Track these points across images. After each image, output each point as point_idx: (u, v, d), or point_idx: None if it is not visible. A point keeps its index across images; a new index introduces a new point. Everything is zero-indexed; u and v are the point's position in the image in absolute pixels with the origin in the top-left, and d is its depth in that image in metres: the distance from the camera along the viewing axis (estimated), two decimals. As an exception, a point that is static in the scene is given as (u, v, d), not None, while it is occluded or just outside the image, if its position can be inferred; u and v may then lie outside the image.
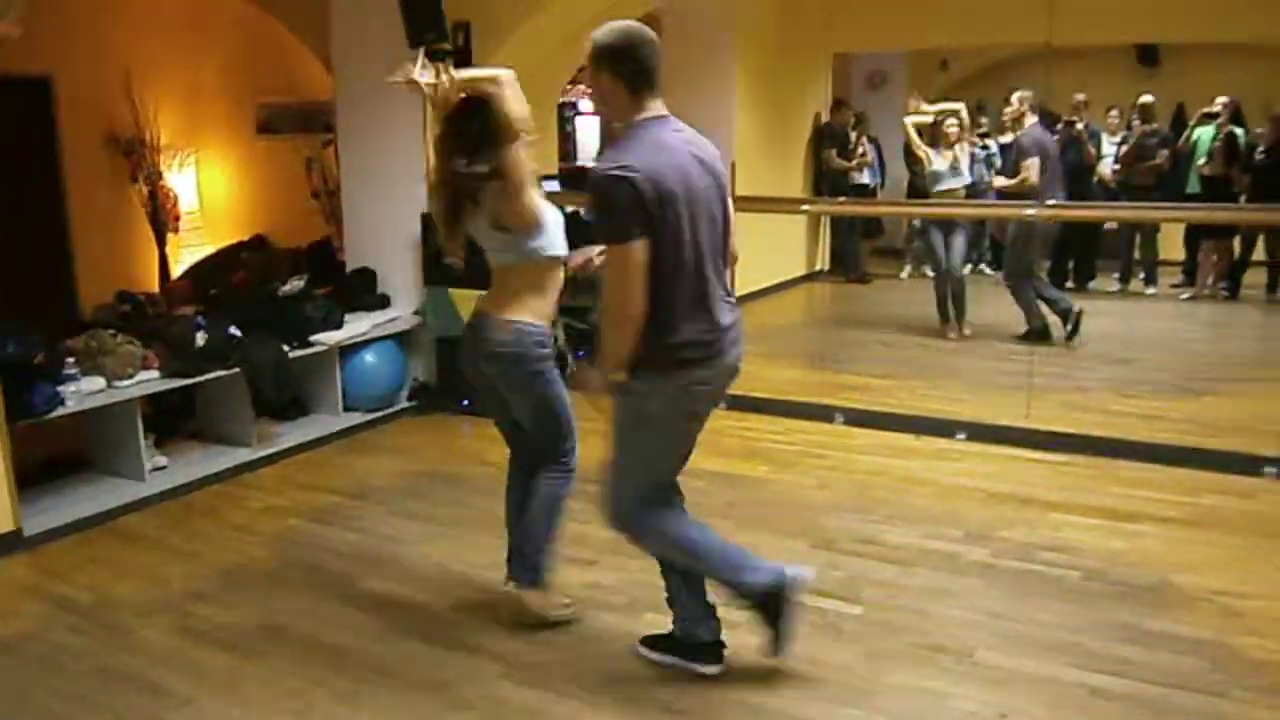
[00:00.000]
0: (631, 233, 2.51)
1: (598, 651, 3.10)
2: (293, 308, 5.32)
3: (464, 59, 5.61)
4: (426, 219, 5.69)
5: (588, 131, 11.76)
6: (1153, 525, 4.01)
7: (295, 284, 5.78)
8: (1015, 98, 7.14)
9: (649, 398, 2.69)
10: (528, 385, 3.12)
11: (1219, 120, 8.67)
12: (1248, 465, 4.53)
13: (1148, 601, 3.36)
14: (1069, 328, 6.98)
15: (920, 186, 8.66)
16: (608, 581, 3.57)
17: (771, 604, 2.82)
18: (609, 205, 2.53)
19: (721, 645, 2.97)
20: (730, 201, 2.81)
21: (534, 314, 3.11)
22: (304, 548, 3.98)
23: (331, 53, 6.01)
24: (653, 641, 3.06)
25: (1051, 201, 6.45)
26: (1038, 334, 7.02)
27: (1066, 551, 3.75)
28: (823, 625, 3.23)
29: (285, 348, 5.02)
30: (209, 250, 7.77)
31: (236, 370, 4.79)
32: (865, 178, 10.08)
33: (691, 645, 2.97)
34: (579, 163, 11.14)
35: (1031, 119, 7.11)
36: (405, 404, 5.75)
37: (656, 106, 2.67)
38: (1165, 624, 3.21)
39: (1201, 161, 8.66)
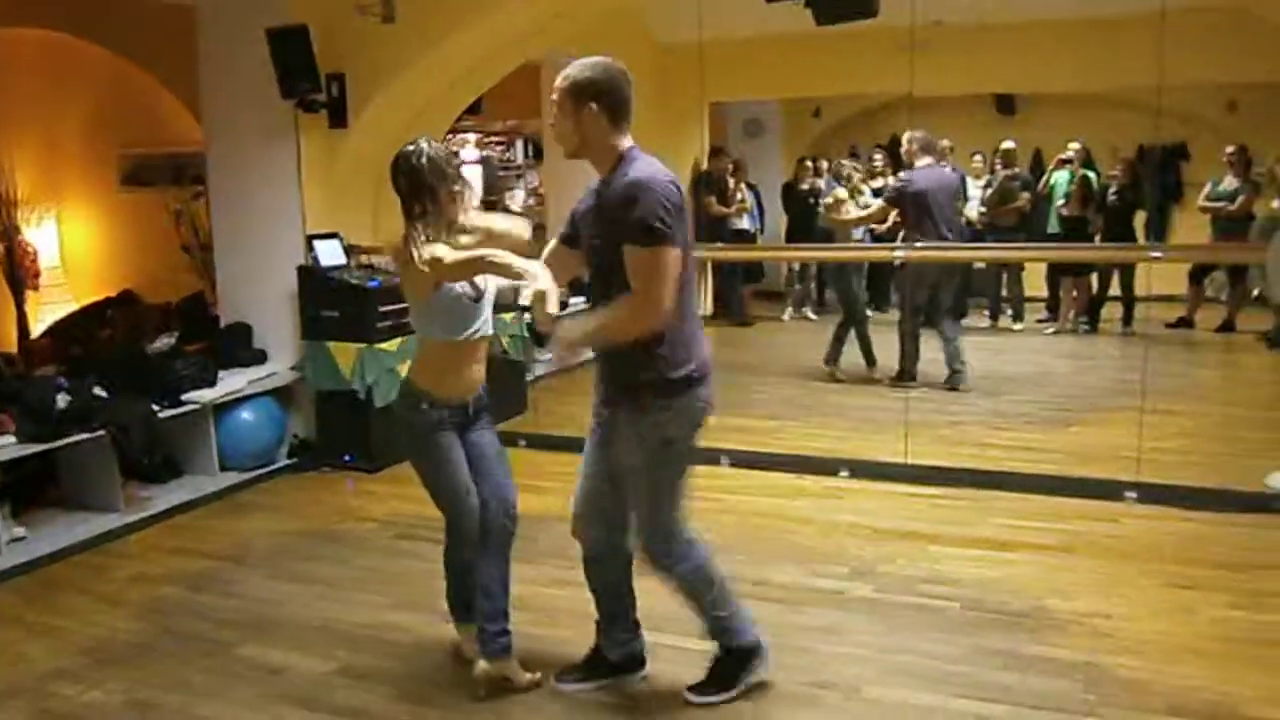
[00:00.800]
0: (674, 238, 2.61)
1: (490, 710, 3.04)
2: (163, 365, 5.12)
3: (338, 111, 5.56)
4: (303, 271, 5.58)
5: (470, 179, 11.74)
6: (1027, 553, 4.16)
7: (165, 341, 5.58)
8: (905, 138, 7.26)
9: (669, 424, 2.76)
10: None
11: (1073, 165, 9.18)
12: (1111, 491, 4.74)
13: (1024, 627, 3.48)
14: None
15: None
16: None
17: (734, 661, 3.01)
18: (663, 209, 2.60)
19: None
20: None
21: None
22: (177, 617, 3.80)
23: (200, 102, 5.87)
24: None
25: (919, 243, 6.69)
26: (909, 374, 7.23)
27: (947, 583, 3.85)
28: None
29: (155, 407, 4.83)
30: (72, 307, 7.45)
31: (101, 432, 4.58)
32: (745, 223, 10.31)
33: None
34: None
35: (924, 160, 7.06)
36: (285, 461, 5.59)
37: (629, 138, 2.77)
38: (1040, 648, 3.32)
39: (1060, 203, 9.14)
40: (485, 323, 3.12)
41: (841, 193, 7.79)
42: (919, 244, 6.68)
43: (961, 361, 7.07)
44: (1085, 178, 9.06)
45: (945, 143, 9.43)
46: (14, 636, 3.66)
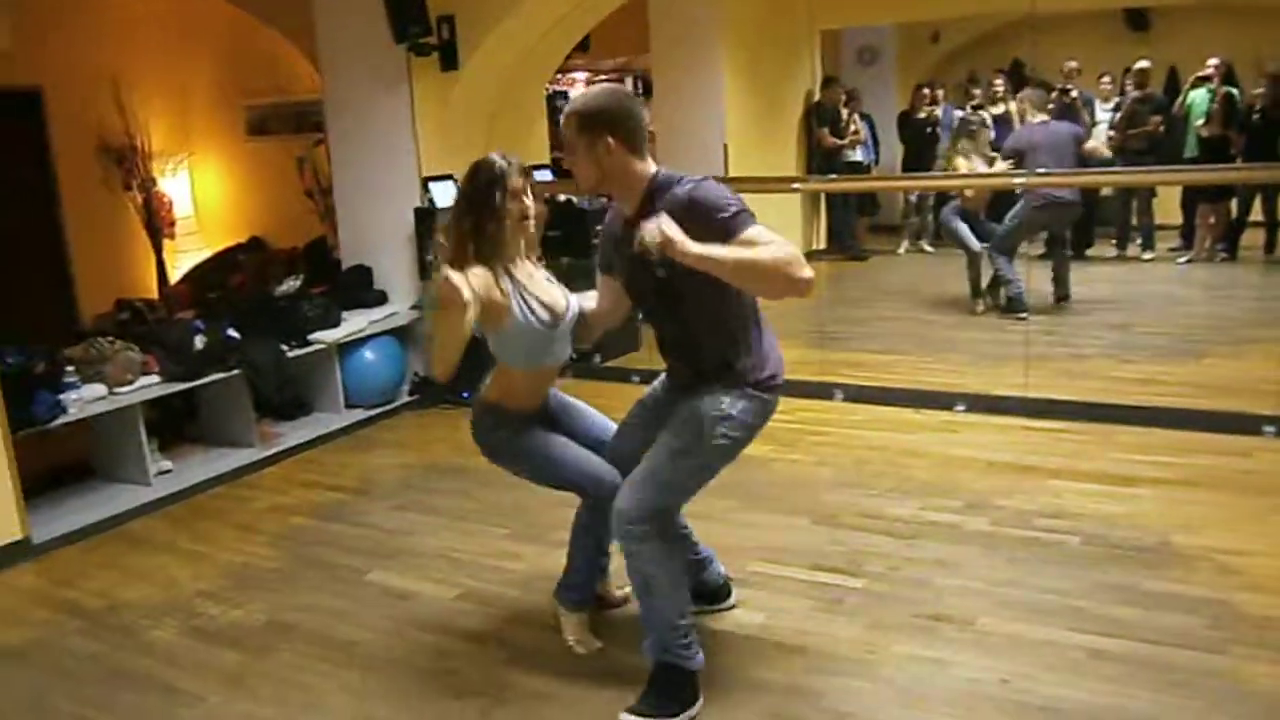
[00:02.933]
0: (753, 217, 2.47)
1: (601, 635, 3.13)
2: (290, 308, 5.34)
3: (448, 53, 5.63)
4: (420, 213, 5.71)
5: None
6: (1150, 488, 4.03)
7: (291, 284, 5.81)
8: (1018, 98, 7.07)
9: (739, 417, 2.64)
10: None
11: (1212, 82, 8.64)
12: (1246, 425, 4.53)
13: (1146, 563, 3.38)
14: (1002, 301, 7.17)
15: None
16: (612, 565, 3.59)
17: (675, 684, 2.69)
18: (728, 196, 2.47)
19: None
20: None
21: None
22: (310, 545, 4.01)
23: (318, 52, 6.02)
24: None
25: (1041, 170, 6.42)
26: (1018, 303, 7.01)
27: (1065, 517, 3.77)
28: (825, 599, 3.26)
29: (284, 348, 5.06)
30: (206, 254, 7.81)
31: (236, 372, 4.83)
32: (858, 155, 10.05)
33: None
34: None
35: (1038, 118, 7.00)
36: (406, 399, 5.78)
37: (652, 162, 2.64)
38: (1164, 584, 3.22)
39: (1199, 123, 8.63)
40: (564, 347, 2.97)
41: (961, 162, 7.37)
42: (1040, 171, 6.41)
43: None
44: (1228, 95, 8.51)
45: (1073, 63, 9.02)
46: (164, 560, 3.93)
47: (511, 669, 2.98)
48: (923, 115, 10.03)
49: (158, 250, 7.48)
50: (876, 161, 10.57)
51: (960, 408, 5.13)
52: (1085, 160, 6.88)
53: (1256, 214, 8.73)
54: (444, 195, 5.70)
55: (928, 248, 10.21)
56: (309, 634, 3.27)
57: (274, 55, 7.57)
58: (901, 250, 10.32)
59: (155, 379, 4.60)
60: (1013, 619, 3.06)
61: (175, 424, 5.16)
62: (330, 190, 6.36)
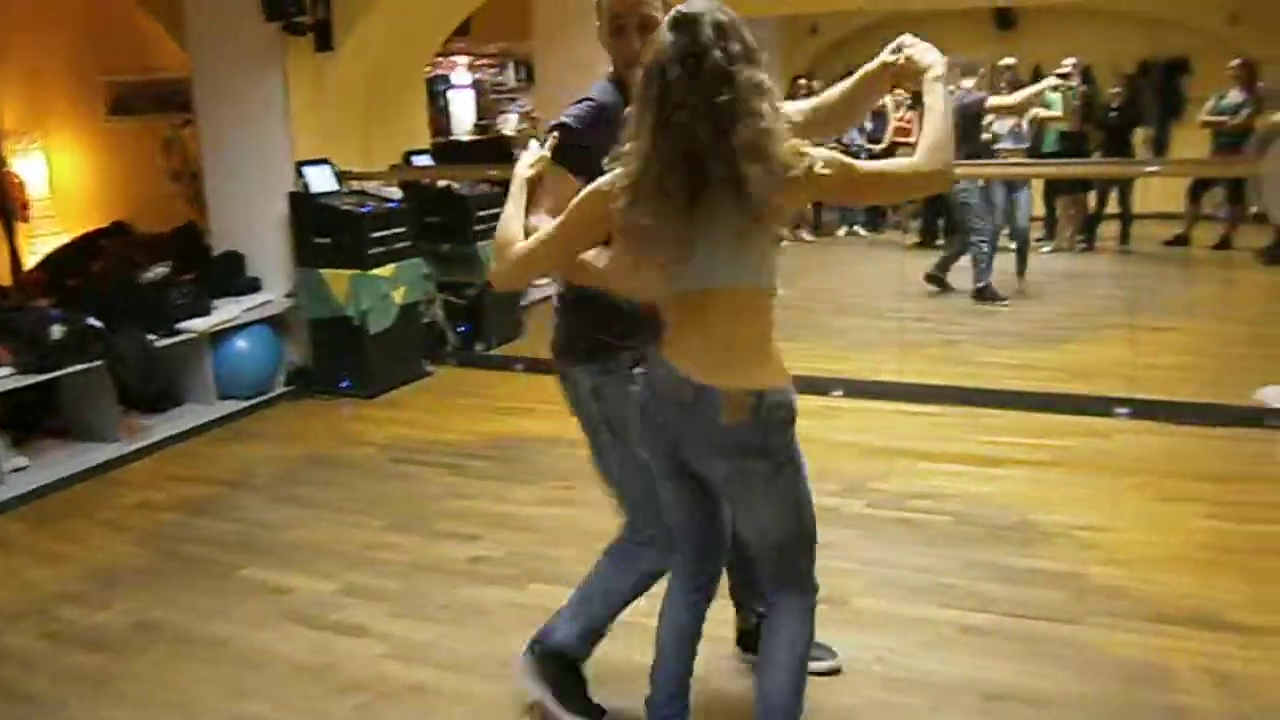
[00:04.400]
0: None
1: (484, 625, 3.11)
2: (157, 295, 5.12)
3: (324, 33, 5.47)
4: (295, 198, 5.55)
5: (462, 105, 11.62)
6: (1017, 468, 4.21)
7: (159, 270, 5.55)
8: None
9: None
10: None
11: (1070, 80, 9.04)
12: (1102, 407, 4.78)
13: (1012, 540, 3.54)
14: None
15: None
16: (492, 554, 3.57)
17: (576, 680, 2.59)
18: None
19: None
20: None
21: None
22: (179, 541, 3.86)
23: (185, 29, 5.77)
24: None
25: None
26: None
27: (937, 498, 3.91)
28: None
29: (150, 337, 4.85)
30: (65, 239, 7.40)
31: (99, 363, 4.60)
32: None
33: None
34: (454, 136, 11.01)
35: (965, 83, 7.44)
36: (282, 389, 5.61)
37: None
38: (1028, 560, 3.38)
39: (1060, 119, 9.02)
40: None
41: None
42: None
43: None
44: (1085, 93, 8.93)
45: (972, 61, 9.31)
46: (20, 562, 3.73)
47: (391, 662, 2.93)
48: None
49: (10, 234, 7.06)
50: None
51: (838, 393, 5.27)
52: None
53: (1114, 207, 9.20)
54: (319, 180, 5.55)
55: (807, 237, 10.43)
56: (180, 633, 3.15)
57: (137, 30, 7.22)
58: (808, 237, 10.50)
59: (8, 370, 4.35)
60: (887, 598, 3.16)
61: (31, 418, 4.89)
62: (199, 173, 6.11)
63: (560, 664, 2.58)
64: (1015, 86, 8.54)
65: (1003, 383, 5.20)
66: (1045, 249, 9.38)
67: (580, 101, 2.38)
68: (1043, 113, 8.39)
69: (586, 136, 2.24)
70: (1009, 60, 9.29)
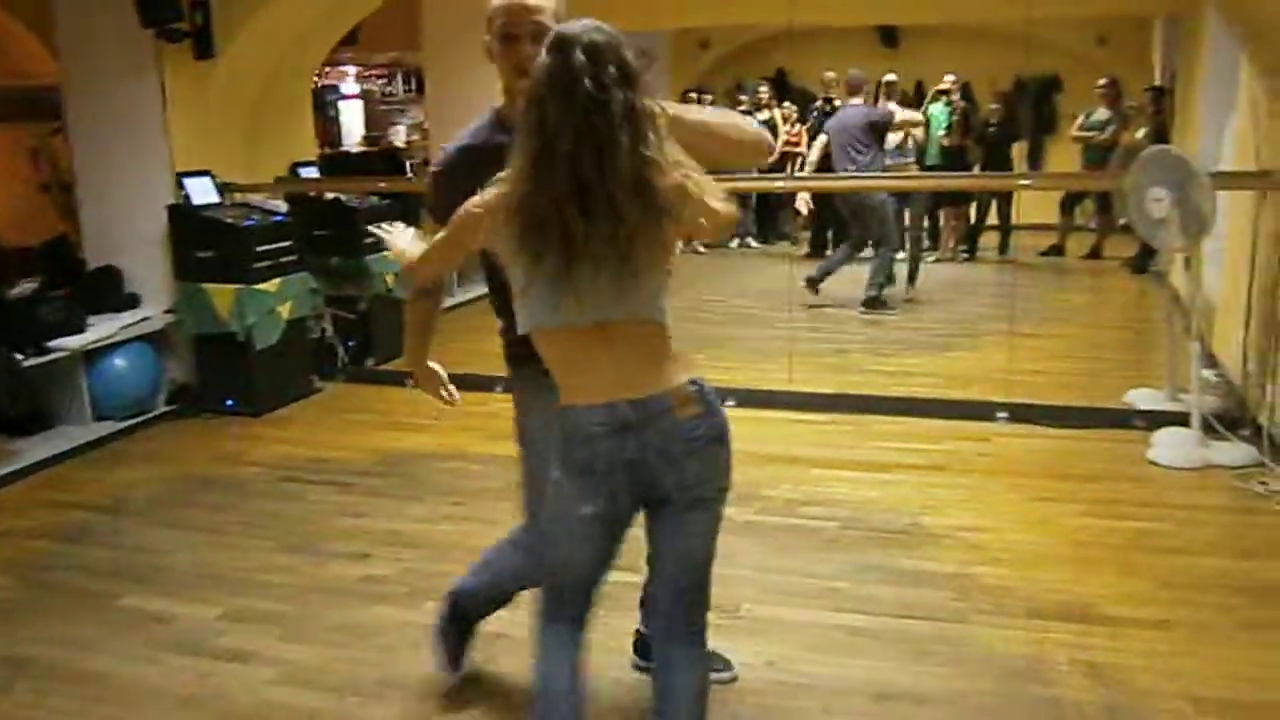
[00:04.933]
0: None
1: (377, 646, 3.05)
2: (25, 312, 4.89)
3: (203, 40, 5.31)
4: (173, 211, 5.37)
5: (351, 115, 11.44)
6: (904, 473, 4.33)
7: (27, 286, 5.32)
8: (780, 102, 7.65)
9: None
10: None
11: (951, 96, 9.38)
12: (983, 412, 4.95)
13: (899, 544, 3.63)
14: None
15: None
16: (384, 573, 3.51)
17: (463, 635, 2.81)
18: None
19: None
20: None
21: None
22: (52, 570, 3.68)
23: (55, 33, 5.53)
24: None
25: (802, 173, 6.81)
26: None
27: (826, 504, 3.99)
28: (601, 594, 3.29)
29: (18, 355, 4.62)
30: (-77, 252, 7.02)
31: (-40, 384, 4.38)
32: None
33: None
34: (344, 147, 10.82)
35: (851, 100, 7.74)
36: (164, 408, 5.41)
37: None
38: (915, 562, 3.48)
39: (942, 133, 9.34)
40: None
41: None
42: (800, 175, 6.82)
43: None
44: (965, 109, 9.27)
45: (830, 74, 9.58)
46: (-126, 598, 3.51)
47: (280, 688, 2.85)
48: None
49: None
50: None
51: (730, 402, 5.31)
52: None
53: (993, 218, 9.56)
54: (201, 192, 5.38)
55: (699, 248, 10.53)
56: (52, 668, 3.00)
57: (5, 34, 6.90)
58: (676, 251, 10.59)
59: None
60: (776, 603, 3.21)
61: (-113, 443, 4.62)
62: (71, 184, 5.86)
63: (456, 611, 2.79)
64: (901, 102, 8.84)
65: (890, 390, 5.35)
66: (929, 258, 9.67)
67: (451, 143, 2.41)
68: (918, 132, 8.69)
69: (452, 184, 2.17)
70: (892, 76, 9.60)
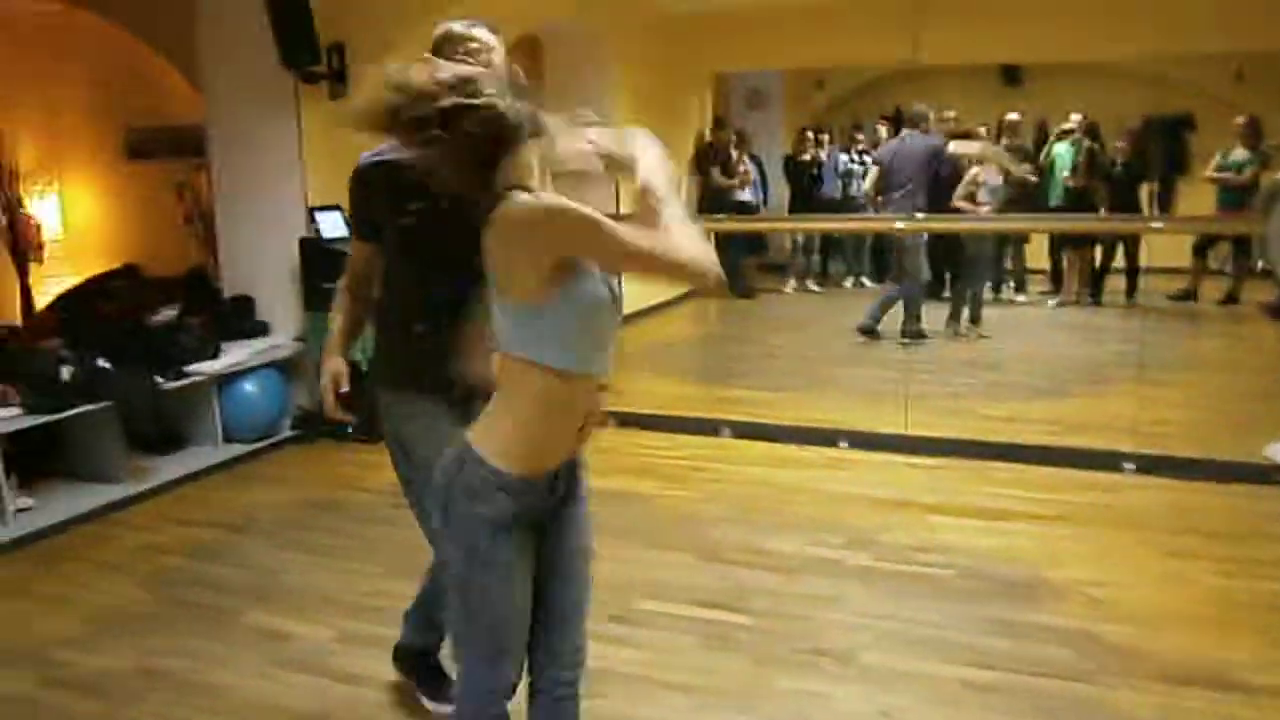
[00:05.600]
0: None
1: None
2: (166, 338, 5.15)
3: (338, 82, 5.55)
4: (305, 244, 5.59)
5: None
6: (1024, 523, 4.19)
7: (168, 313, 5.61)
8: None
9: None
10: None
11: (1075, 136, 9.13)
12: (1108, 461, 4.76)
13: (1019, 596, 3.51)
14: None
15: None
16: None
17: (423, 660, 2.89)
18: None
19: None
20: None
21: None
22: (182, 586, 3.84)
23: (200, 74, 5.86)
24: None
25: (919, 215, 6.71)
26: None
27: (943, 552, 3.88)
28: (711, 636, 3.28)
29: (158, 379, 4.86)
30: (76, 280, 7.47)
31: (106, 404, 4.62)
32: (747, 195, 10.28)
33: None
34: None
35: (907, 131, 7.69)
36: (288, 433, 5.61)
37: None
38: (1035, 616, 3.35)
39: (1066, 174, 9.09)
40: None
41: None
42: (919, 215, 6.73)
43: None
44: (1091, 149, 9.01)
45: (951, 113, 9.41)
46: (21, 606, 3.71)
47: (389, 711, 2.90)
48: (807, 158, 10.32)
49: (23, 275, 7.12)
50: (765, 202, 10.82)
51: (843, 444, 5.25)
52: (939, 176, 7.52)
53: (1120, 261, 9.23)
54: (331, 226, 5.59)
55: (814, 287, 10.48)
56: (179, 680, 3.12)
57: (154, 76, 7.34)
58: (789, 289, 10.56)
59: (16, 410, 4.36)
60: (892, 652, 3.13)
61: (37, 459, 4.89)
62: (212, 217, 6.18)
63: (414, 659, 2.90)
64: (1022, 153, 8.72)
65: (1008, 436, 5.18)
66: (1051, 302, 9.40)
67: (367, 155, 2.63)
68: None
69: (363, 189, 2.66)
70: (1014, 116, 9.40)
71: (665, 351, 8.03)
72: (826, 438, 5.31)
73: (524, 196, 1.79)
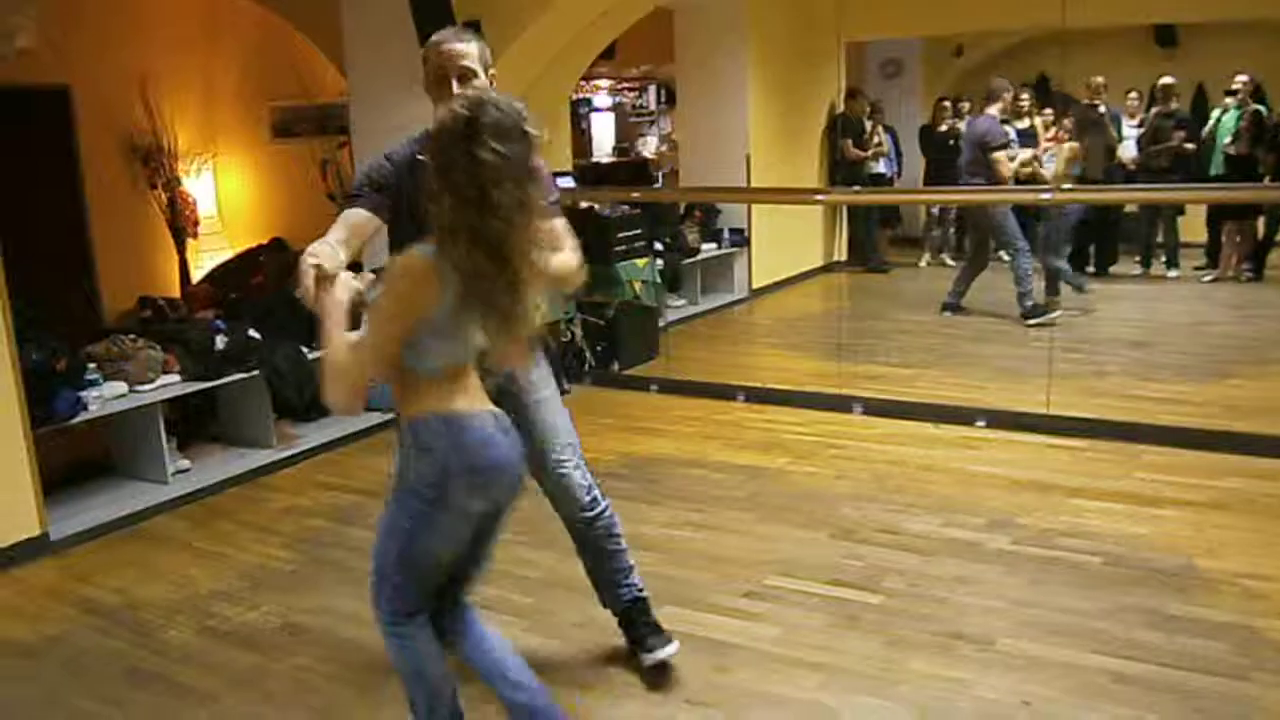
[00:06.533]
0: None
1: (611, 645, 3.10)
2: (311, 310, 5.34)
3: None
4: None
5: (602, 127, 11.80)
6: (1175, 509, 3.98)
7: (312, 286, 5.80)
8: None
9: None
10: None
11: (1239, 99, 8.57)
12: (1271, 448, 4.47)
13: (1170, 586, 3.33)
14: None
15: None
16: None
17: None
18: None
19: None
20: None
21: None
22: (326, 547, 4.01)
23: (343, 54, 6.04)
24: None
25: (1067, 185, 6.43)
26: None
27: (1088, 537, 3.72)
28: (843, 615, 3.23)
29: (304, 349, 5.06)
30: (228, 254, 7.83)
31: (256, 372, 4.84)
32: (881, 167, 10.03)
33: None
34: (594, 158, 11.19)
35: (989, 108, 7.57)
36: (425, 403, 5.76)
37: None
38: (1187, 608, 3.18)
39: (1227, 141, 8.55)
40: None
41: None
42: (1065, 186, 6.47)
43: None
44: (1256, 113, 8.44)
45: (1099, 79, 8.97)
46: (181, 559, 3.93)
47: (525, 677, 2.95)
48: (944, 129, 10.00)
49: (180, 249, 7.50)
50: (899, 174, 10.54)
51: (981, 423, 5.09)
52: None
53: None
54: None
55: (949, 261, 10.16)
56: (323, 637, 3.26)
57: (299, 57, 7.61)
58: (923, 263, 10.28)
59: (176, 378, 4.61)
60: (1033, 639, 3.02)
61: (194, 423, 5.17)
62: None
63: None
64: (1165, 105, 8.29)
65: (1159, 418, 4.93)
66: (1206, 278, 8.88)
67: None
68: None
69: (399, 177, 2.76)
70: (1168, 79, 8.87)
71: (796, 327, 7.93)
72: (963, 416, 5.15)
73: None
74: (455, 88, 2.57)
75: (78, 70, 6.78)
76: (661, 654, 2.90)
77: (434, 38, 2.73)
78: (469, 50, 2.64)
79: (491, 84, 2.66)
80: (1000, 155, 7.30)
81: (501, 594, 3.45)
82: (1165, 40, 10.77)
